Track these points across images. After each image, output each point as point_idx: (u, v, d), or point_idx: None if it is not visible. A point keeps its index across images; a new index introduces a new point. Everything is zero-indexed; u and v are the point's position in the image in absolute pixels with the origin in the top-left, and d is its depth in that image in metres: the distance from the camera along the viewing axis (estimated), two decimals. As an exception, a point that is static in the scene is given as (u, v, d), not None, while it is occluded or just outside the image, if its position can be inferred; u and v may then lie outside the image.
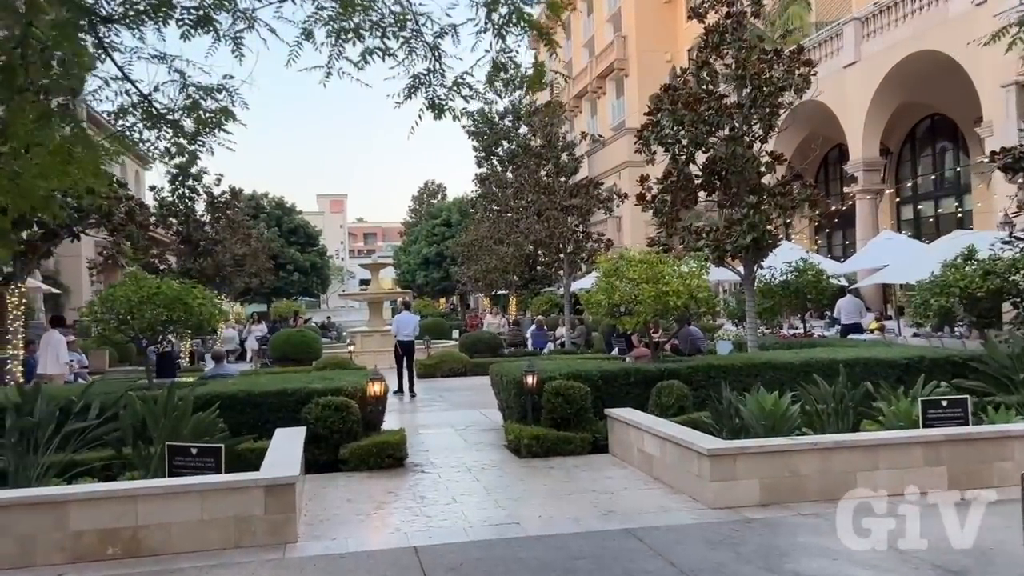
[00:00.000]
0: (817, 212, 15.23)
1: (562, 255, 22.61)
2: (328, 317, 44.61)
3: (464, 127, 43.23)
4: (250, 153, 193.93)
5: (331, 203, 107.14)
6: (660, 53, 39.67)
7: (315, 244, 50.57)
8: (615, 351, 18.55)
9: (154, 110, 4.43)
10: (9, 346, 12.30)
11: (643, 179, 15.35)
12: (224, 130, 4.81)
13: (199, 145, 4.82)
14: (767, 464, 6.87)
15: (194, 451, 6.83)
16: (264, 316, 33.63)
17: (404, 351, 16.62)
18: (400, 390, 16.57)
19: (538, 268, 33.42)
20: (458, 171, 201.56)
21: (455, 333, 31.46)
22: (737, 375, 10.39)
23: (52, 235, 12.25)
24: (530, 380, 9.63)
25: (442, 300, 56.14)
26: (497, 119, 42.69)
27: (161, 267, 21.52)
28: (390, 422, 11.42)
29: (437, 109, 4.76)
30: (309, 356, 20.08)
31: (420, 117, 4.83)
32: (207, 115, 4.63)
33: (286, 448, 7.49)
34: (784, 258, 16.37)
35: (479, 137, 42.88)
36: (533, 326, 24.45)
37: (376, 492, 7.77)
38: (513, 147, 39.14)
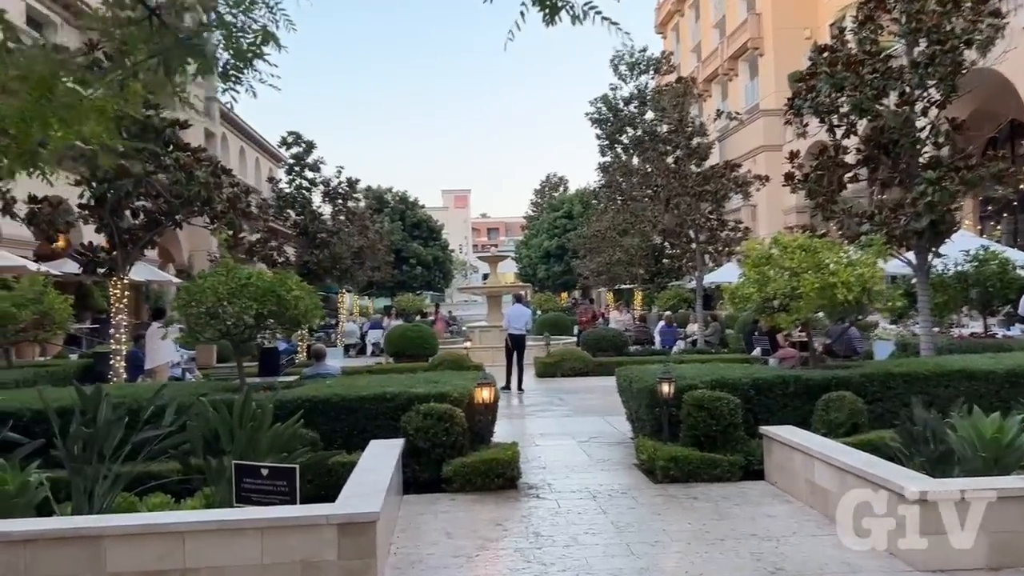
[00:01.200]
0: (1006, 191, 12.97)
1: (693, 245, 20.76)
2: (449, 311, 44.16)
3: (587, 114, 41.71)
4: (375, 149, 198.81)
5: (455, 198, 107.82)
6: (799, 30, 36.72)
7: (438, 238, 50.26)
8: (756, 351, 16.63)
9: (172, 32, 3.24)
10: (112, 340, 11.80)
11: (793, 156, 13.47)
12: (265, 60, 3.60)
13: (233, 82, 3.64)
14: (1000, 513, 5.09)
15: (264, 472, 5.73)
16: (389, 310, 33.17)
17: (515, 345, 15.92)
18: (508, 387, 15.57)
19: (664, 261, 31.56)
20: (581, 162, 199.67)
21: (576, 329, 30.04)
22: (923, 385, 8.49)
23: (154, 223, 11.67)
24: (666, 389, 8.09)
25: (564, 294, 54.81)
26: (622, 105, 40.85)
27: (280, 259, 21.14)
28: (502, 430, 10.15)
29: (548, 7, 3.31)
30: (425, 352, 19.16)
31: (523, 16, 3.39)
32: (240, 36, 3.38)
33: (374, 469, 6.28)
34: (957, 246, 14.02)
35: (602, 124, 41.15)
36: (661, 323, 22.70)
37: (482, 524, 6.46)
38: (639, 134, 37.21)
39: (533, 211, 64.56)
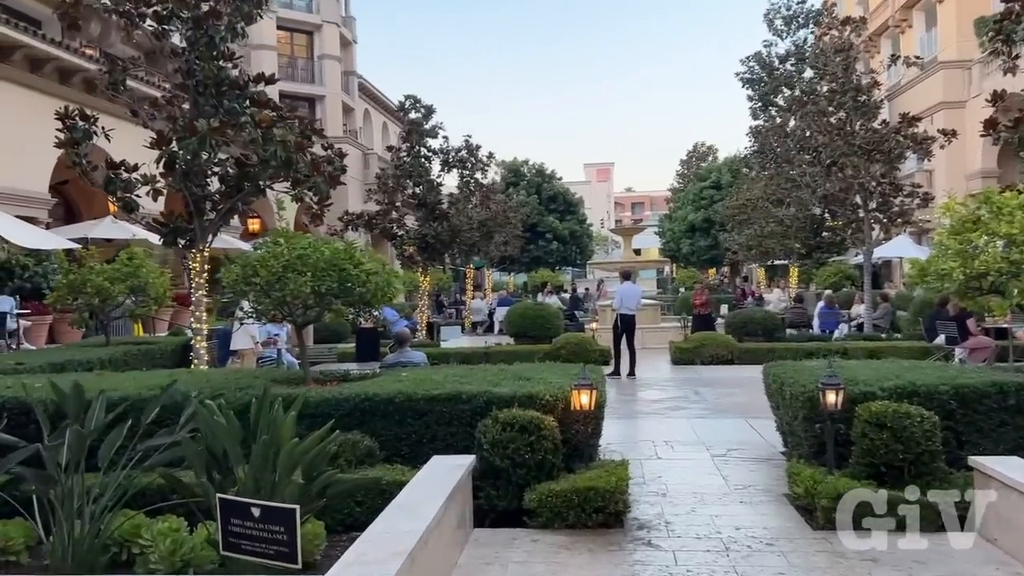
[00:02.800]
0: None
1: (860, 212, 17.87)
2: (586, 288, 42.30)
3: (738, 75, 38.51)
4: (517, 123, 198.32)
5: (597, 172, 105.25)
6: (987, -32, 31.93)
7: (575, 212, 48.29)
8: (939, 339, 13.82)
9: None
10: (191, 319, 10.82)
11: (997, 97, 10.73)
12: None
13: None
14: None
15: (256, 513, 4.19)
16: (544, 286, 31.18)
17: (625, 327, 14.43)
18: (617, 372, 14.05)
19: (824, 234, 28.34)
20: (730, 130, 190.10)
21: (723, 309, 27.47)
22: None
23: (236, 190, 10.53)
24: (832, 399, 5.96)
25: (711, 271, 51.61)
26: (777, 63, 37.36)
27: (399, 232, 20.07)
28: (618, 432, 8.40)
29: None
30: (547, 333, 17.45)
31: None
32: None
33: (414, 509, 4.62)
34: None
35: (754, 85, 37.86)
36: (821, 303, 19.92)
37: (563, 588, 4.67)
38: (796, 94, 33.76)
39: (679, 183, 61.36)
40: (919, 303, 16.72)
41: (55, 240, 16.41)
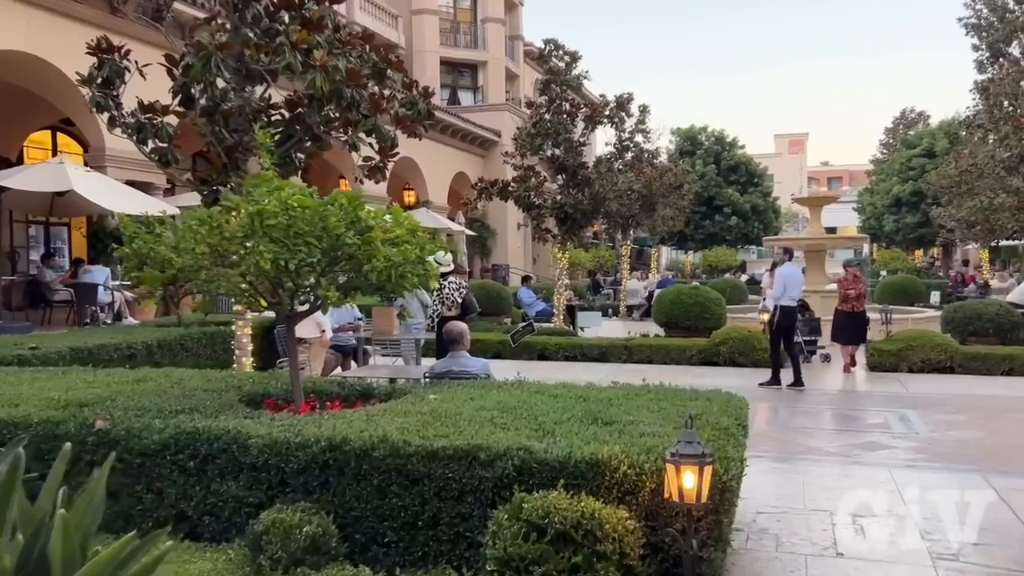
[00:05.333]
0: None
1: None
2: (767, 270, 37.89)
3: (961, 20, 32.52)
4: (704, 94, 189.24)
5: (789, 143, 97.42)
6: None
7: (759, 184, 43.48)
8: None
9: None
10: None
11: None
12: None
13: None
14: None
15: None
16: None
17: (786, 321, 10.76)
18: (775, 381, 10.68)
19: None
20: (943, 96, 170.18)
21: (933, 297, 22.82)
22: None
23: (286, 137, 8.30)
24: None
25: (917, 251, 45.12)
26: (1012, 4, 31.09)
27: (536, 201, 17.46)
28: (769, 490, 5.48)
29: None
30: (706, 323, 14.27)
31: None
32: None
33: None
34: None
35: (981, 32, 31.78)
36: (1076, 294, 15.29)
37: None
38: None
39: (883, 153, 54.52)
40: None
41: (160, 206, 15.21)
